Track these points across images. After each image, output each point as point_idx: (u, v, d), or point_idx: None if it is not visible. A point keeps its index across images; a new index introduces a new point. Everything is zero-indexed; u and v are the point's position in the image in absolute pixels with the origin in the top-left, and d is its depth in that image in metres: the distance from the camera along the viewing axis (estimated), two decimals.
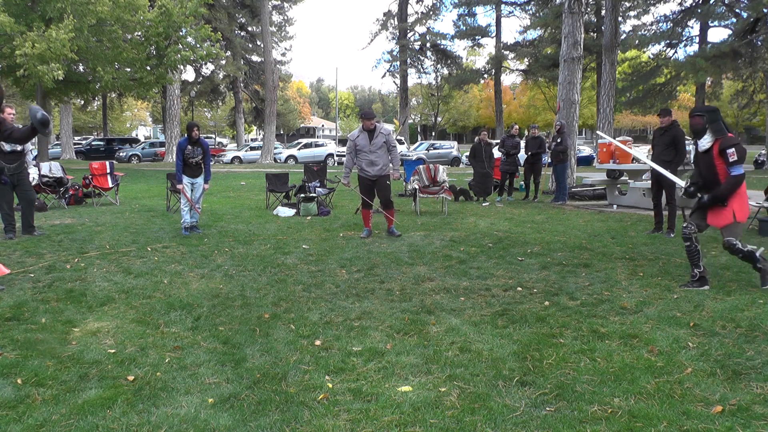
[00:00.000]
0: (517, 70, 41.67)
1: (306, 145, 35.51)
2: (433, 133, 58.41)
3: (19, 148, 7.42)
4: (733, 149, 4.80)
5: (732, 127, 52.86)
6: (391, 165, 7.80)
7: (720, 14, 28.29)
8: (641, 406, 2.87)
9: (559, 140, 11.98)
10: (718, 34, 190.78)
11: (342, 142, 44.41)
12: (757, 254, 4.95)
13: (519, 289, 5.11)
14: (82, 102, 37.50)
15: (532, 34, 36.89)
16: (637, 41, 29.22)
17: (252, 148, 35.17)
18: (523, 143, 13.54)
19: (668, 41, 30.25)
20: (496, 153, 13.19)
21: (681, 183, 5.38)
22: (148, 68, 19.74)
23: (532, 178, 12.68)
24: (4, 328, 4.00)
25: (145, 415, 2.80)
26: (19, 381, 3.14)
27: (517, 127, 13.35)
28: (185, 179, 7.96)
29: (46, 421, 2.73)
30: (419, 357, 3.52)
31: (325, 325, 4.11)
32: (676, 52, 31.52)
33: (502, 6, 36.95)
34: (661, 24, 30.50)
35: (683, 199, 5.16)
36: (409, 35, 38.06)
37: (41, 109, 4.94)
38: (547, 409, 2.86)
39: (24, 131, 5.10)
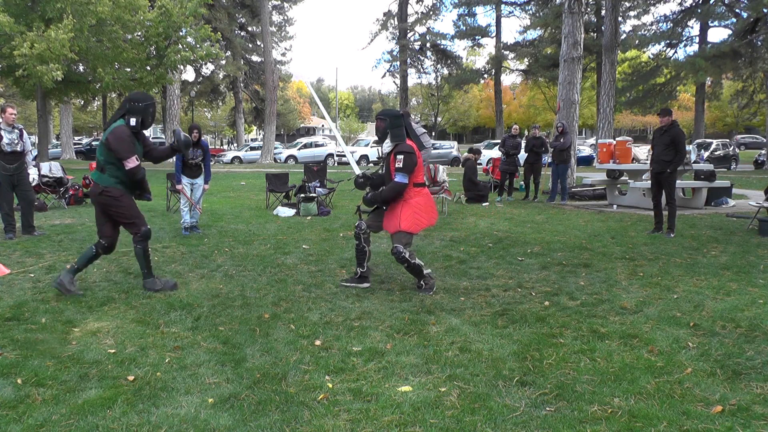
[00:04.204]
0: (517, 70, 41.70)
1: (306, 145, 35.51)
2: (434, 133, 58.41)
3: (19, 148, 7.42)
4: (402, 157, 4.79)
5: (732, 126, 52.65)
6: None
7: (720, 14, 28.33)
8: (641, 406, 2.87)
9: (561, 140, 11.99)
10: (718, 34, 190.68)
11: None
12: (426, 271, 4.99)
13: (519, 289, 5.11)
14: (82, 102, 37.50)
15: (532, 34, 36.94)
16: (637, 41, 29.26)
17: (252, 148, 35.20)
18: (524, 143, 13.56)
19: (668, 41, 30.29)
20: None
21: (357, 171, 5.41)
22: (148, 68, 19.73)
23: (532, 178, 12.68)
24: (4, 328, 4.00)
25: (145, 415, 2.79)
26: (19, 381, 3.14)
27: (517, 127, 13.34)
28: (184, 180, 7.96)
29: (46, 421, 2.73)
30: (419, 357, 3.52)
31: (325, 325, 4.11)
32: (676, 52, 31.56)
33: (502, 6, 36.96)
34: (661, 24, 30.55)
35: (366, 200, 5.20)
36: (409, 35, 38.05)
37: (182, 131, 5.16)
38: (547, 409, 2.86)
39: (164, 151, 5.18)
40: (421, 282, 5.01)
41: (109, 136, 4.66)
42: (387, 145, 4.95)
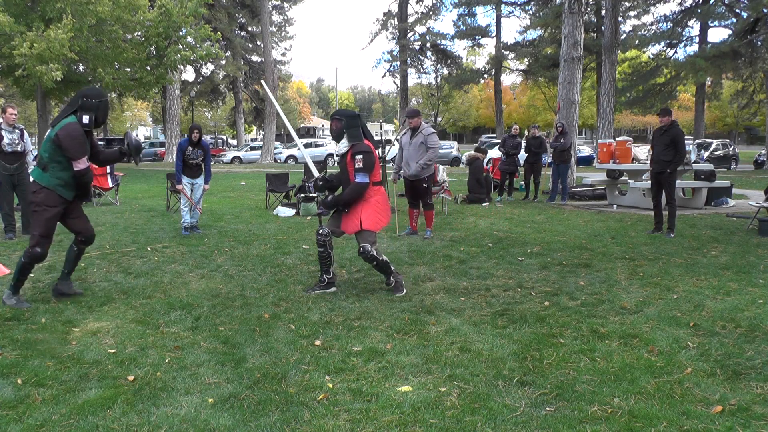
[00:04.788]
0: (517, 70, 41.70)
1: (306, 145, 35.54)
2: None
3: (20, 148, 7.43)
4: (362, 156, 4.73)
5: (732, 126, 52.65)
6: (420, 163, 7.50)
7: (720, 14, 28.34)
8: (641, 406, 2.87)
9: (562, 141, 11.99)
10: (718, 34, 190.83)
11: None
12: (393, 267, 4.95)
13: (519, 289, 5.11)
14: None
15: (532, 34, 36.95)
16: (637, 41, 29.26)
17: (252, 148, 35.24)
18: (523, 143, 13.54)
19: (668, 41, 30.29)
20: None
21: (315, 173, 5.28)
22: (148, 68, 19.72)
23: (532, 178, 12.67)
24: (4, 328, 4.00)
25: (145, 415, 2.80)
26: (19, 381, 3.14)
27: (517, 127, 13.33)
28: (185, 180, 7.97)
29: (46, 421, 2.73)
30: (419, 357, 3.52)
31: (325, 325, 4.11)
32: (676, 52, 31.57)
33: (502, 6, 36.97)
34: (661, 24, 30.57)
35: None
36: (409, 35, 38.04)
37: (134, 135, 4.84)
38: (547, 409, 2.86)
39: (112, 154, 4.87)
40: (391, 279, 4.95)
41: (60, 133, 4.35)
42: (343, 146, 4.90)
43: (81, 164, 4.43)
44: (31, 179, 4.61)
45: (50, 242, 4.61)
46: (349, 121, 4.88)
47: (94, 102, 4.49)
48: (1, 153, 7.29)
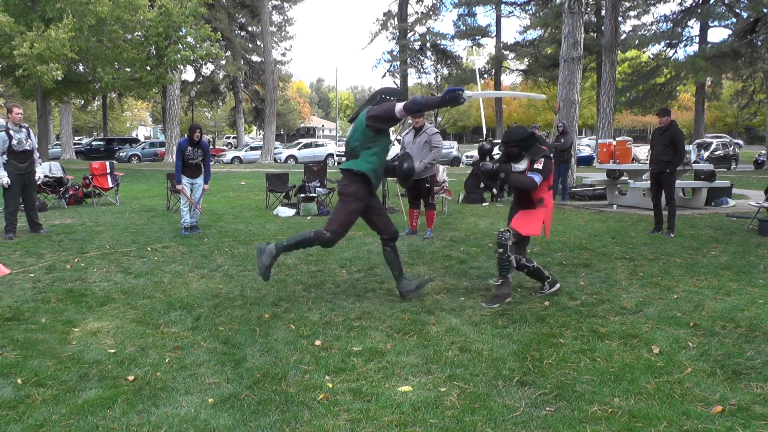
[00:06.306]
0: (517, 70, 41.72)
1: (306, 145, 35.53)
2: None
3: (28, 147, 7.46)
4: (543, 160, 4.69)
5: (732, 126, 52.59)
6: (424, 162, 7.50)
7: (720, 14, 28.35)
8: (641, 406, 2.87)
9: (562, 140, 12.00)
10: (718, 34, 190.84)
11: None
12: (510, 276, 4.66)
13: (519, 289, 5.11)
14: (82, 102, 37.53)
15: (532, 34, 36.97)
16: (637, 41, 29.29)
17: (252, 148, 35.24)
18: None
19: (668, 41, 30.31)
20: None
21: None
22: (148, 68, 19.73)
23: None
24: (4, 328, 4.00)
25: (145, 415, 2.80)
26: (19, 381, 3.14)
27: None
28: (184, 180, 7.96)
29: (46, 421, 2.73)
30: (419, 357, 3.52)
31: (325, 325, 4.11)
32: (676, 52, 31.58)
33: (502, 6, 37.00)
34: (661, 24, 30.57)
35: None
36: (409, 35, 38.07)
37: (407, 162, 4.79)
38: (547, 409, 2.86)
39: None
40: (499, 280, 4.66)
41: (369, 114, 4.45)
42: (523, 163, 4.81)
43: (398, 106, 4.36)
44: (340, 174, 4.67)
45: (343, 236, 4.65)
46: (525, 143, 4.79)
47: (393, 100, 4.56)
48: (12, 153, 7.31)
